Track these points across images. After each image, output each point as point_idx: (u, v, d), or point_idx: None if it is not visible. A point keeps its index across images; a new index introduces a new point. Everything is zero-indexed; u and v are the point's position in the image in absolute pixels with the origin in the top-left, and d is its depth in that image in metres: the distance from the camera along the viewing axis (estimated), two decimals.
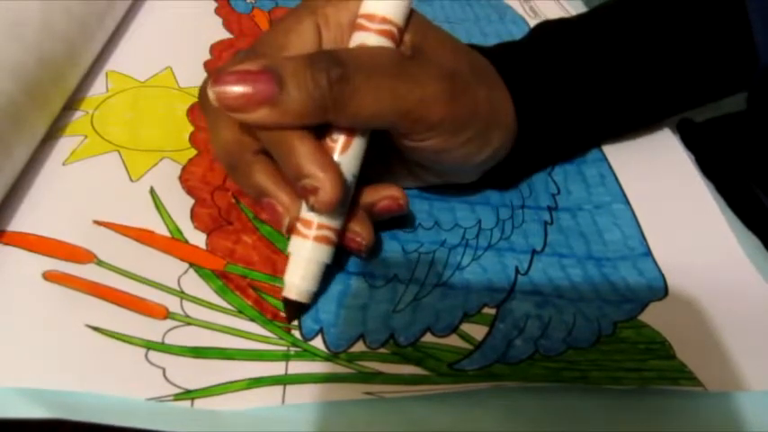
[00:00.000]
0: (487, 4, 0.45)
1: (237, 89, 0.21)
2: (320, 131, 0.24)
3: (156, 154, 0.30)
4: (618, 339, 0.26)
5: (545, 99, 0.29)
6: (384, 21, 0.24)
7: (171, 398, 0.22)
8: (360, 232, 0.26)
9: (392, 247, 0.29)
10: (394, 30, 0.24)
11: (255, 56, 0.24)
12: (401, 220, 0.30)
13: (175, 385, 0.23)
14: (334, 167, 0.23)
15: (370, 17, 0.24)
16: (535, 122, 0.28)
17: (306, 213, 0.24)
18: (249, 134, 0.24)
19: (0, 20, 0.28)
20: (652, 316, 0.27)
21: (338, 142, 0.24)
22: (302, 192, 0.23)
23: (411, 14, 0.25)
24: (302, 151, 0.22)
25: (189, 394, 0.23)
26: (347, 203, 0.25)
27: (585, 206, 0.32)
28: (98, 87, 0.34)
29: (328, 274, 0.27)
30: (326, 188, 0.22)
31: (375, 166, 0.28)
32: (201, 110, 0.26)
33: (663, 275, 0.29)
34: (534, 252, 0.29)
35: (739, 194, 0.35)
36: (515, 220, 0.31)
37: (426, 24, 0.26)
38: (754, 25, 0.31)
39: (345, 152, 0.24)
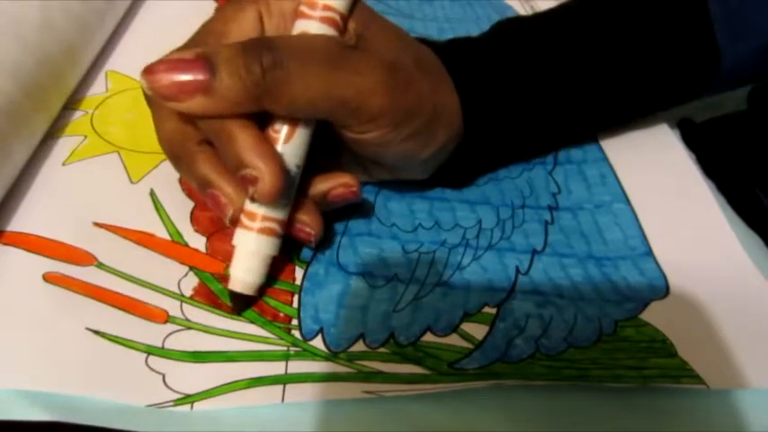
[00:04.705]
0: (487, 4, 0.44)
1: (170, 78, 0.21)
2: (263, 121, 0.24)
3: (157, 156, 0.30)
4: (619, 338, 0.26)
5: (492, 96, 0.28)
6: (326, 8, 0.24)
7: (171, 404, 0.22)
8: (308, 222, 0.25)
9: (392, 246, 0.28)
10: (337, 17, 0.24)
11: (193, 44, 0.24)
12: (402, 219, 0.29)
13: (175, 391, 0.23)
14: (275, 157, 0.22)
15: (312, 4, 0.24)
16: (482, 119, 0.28)
17: (250, 205, 0.24)
18: (192, 124, 0.24)
19: (0, 19, 0.28)
20: (653, 315, 0.27)
21: (281, 132, 0.24)
22: (242, 182, 0.22)
23: (356, 3, 0.25)
24: (242, 141, 0.22)
25: (189, 398, 0.23)
26: (292, 194, 0.25)
27: (586, 205, 0.32)
28: (98, 87, 0.34)
29: (328, 273, 0.27)
30: (266, 179, 0.22)
31: (324, 159, 0.27)
32: (146, 100, 0.25)
33: (664, 275, 0.29)
34: (535, 252, 0.29)
35: (740, 194, 0.35)
36: (516, 219, 0.31)
37: (372, 14, 0.25)
38: (717, 29, 0.30)
39: (289, 142, 0.24)
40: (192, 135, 0.24)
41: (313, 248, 0.28)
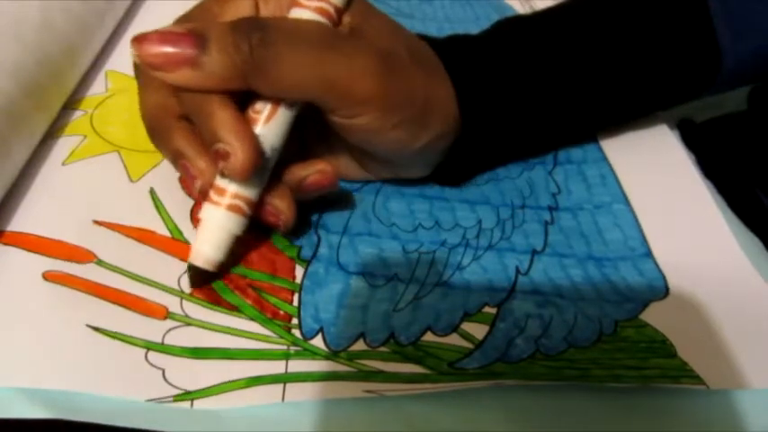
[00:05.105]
0: (488, 4, 0.45)
1: (159, 48, 0.21)
2: (245, 101, 0.24)
3: (156, 155, 0.30)
4: (619, 338, 0.26)
5: (489, 90, 0.28)
6: None
7: (170, 399, 0.22)
8: (279, 207, 0.25)
9: (392, 246, 0.28)
10: (331, 9, 0.24)
11: (186, 19, 0.24)
12: (402, 219, 0.29)
13: (175, 386, 0.23)
14: (250, 136, 0.22)
15: None
16: (478, 113, 0.28)
17: (220, 181, 0.24)
18: (174, 99, 0.24)
19: (0, 19, 0.28)
20: (653, 316, 0.27)
21: (261, 113, 0.24)
22: (215, 156, 0.23)
23: None
24: (220, 116, 0.22)
25: (189, 395, 0.23)
26: (265, 176, 0.25)
27: (586, 206, 0.32)
28: (98, 87, 0.34)
29: (329, 273, 0.27)
30: (238, 155, 0.22)
31: (320, 155, 0.27)
32: (134, 70, 0.26)
33: (663, 275, 0.29)
34: (535, 252, 0.29)
35: (740, 195, 0.35)
36: (516, 219, 0.31)
37: (368, 8, 0.26)
38: (718, 30, 0.30)
39: (267, 124, 0.24)
40: (173, 110, 0.24)
41: (282, 233, 0.28)
